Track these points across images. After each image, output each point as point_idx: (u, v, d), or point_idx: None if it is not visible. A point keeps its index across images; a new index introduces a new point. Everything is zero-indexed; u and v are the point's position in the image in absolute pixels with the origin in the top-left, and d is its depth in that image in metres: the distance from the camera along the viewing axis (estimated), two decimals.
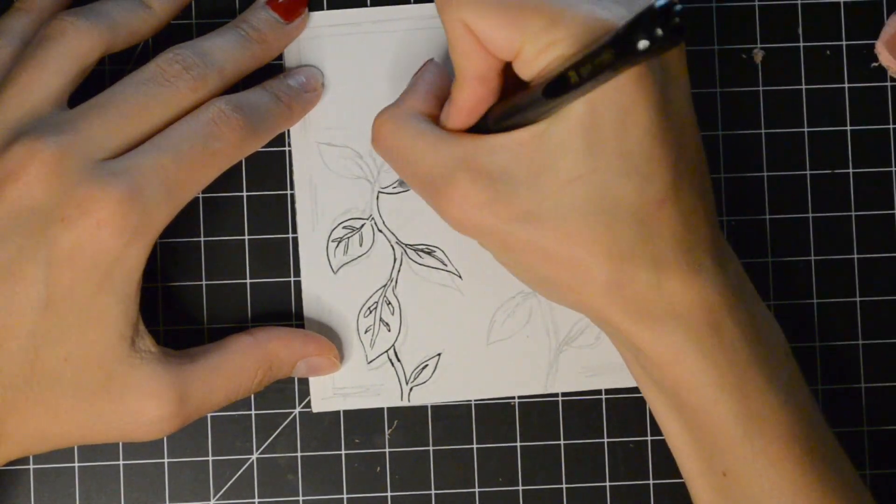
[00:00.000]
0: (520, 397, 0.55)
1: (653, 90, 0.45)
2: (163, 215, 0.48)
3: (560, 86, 0.43)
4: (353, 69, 0.56)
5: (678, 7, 0.36)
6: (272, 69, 0.55)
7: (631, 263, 0.46)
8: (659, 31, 0.36)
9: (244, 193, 0.56)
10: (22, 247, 0.47)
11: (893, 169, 0.56)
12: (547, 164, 0.45)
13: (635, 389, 0.55)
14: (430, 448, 0.55)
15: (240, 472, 0.55)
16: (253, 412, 0.55)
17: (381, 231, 0.55)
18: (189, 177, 0.49)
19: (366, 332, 0.55)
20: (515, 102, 0.46)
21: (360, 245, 0.55)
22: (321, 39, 0.55)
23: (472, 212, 0.46)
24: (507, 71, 0.48)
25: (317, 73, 0.55)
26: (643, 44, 0.37)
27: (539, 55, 0.45)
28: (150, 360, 0.49)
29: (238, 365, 0.51)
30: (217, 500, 0.55)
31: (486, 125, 0.48)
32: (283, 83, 0.54)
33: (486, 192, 0.46)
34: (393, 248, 0.55)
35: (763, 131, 0.56)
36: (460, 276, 0.55)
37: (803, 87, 0.56)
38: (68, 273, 0.47)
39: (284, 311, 0.55)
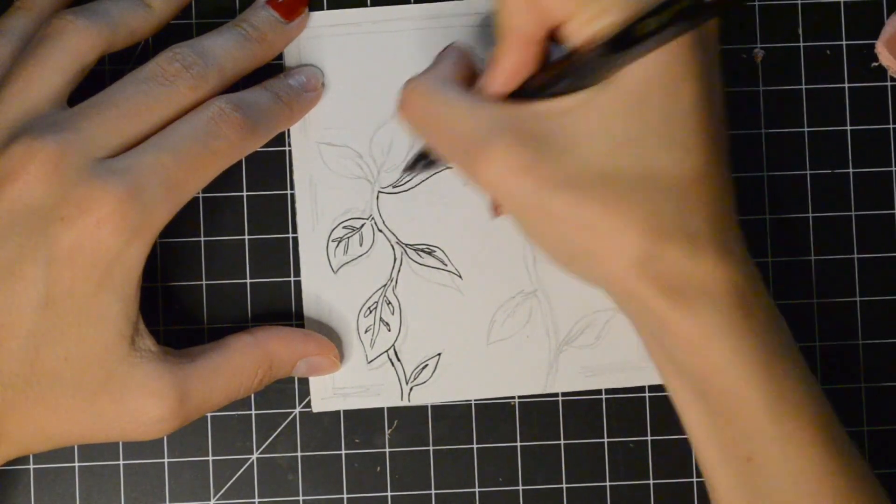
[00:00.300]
0: (520, 397, 0.55)
1: (701, 63, 0.45)
2: (163, 214, 0.48)
3: (626, 40, 0.42)
4: (353, 69, 0.56)
5: None
6: (272, 69, 0.55)
7: (667, 237, 0.45)
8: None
9: (244, 193, 0.56)
10: (22, 246, 0.47)
11: (893, 169, 0.56)
12: (592, 131, 0.45)
13: (635, 389, 0.55)
14: (430, 448, 0.55)
15: (240, 472, 0.55)
16: (253, 412, 0.55)
17: (381, 231, 0.55)
18: (189, 175, 0.49)
19: (366, 331, 0.55)
20: (560, 70, 0.46)
21: (360, 245, 0.55)
22: (321, 39, 0.55)
23: (513, 175, 0.46)
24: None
25: (317, 72, 0.55)
26: None
27: (591, 21, 0.45)
28: (150, 359, 0.49)
29: (238, 364, 0.51)
30: (217, 500, 0.55)
31: (525, 93, 0.47)
32: (284, 83, 0.54)
33: (528, 155, 0.45)
34: (393, 248, 0.55)
35: (763, 131, 0.56)
36: (460, 276, 0.55)
37: (803, 87, 0.56)
38: (68, 272, 0.47)
39: (284, 311, 0.55)
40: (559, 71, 0.46)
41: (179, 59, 0.50)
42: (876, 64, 0.56)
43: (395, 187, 0.56)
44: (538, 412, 0.55)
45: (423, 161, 0.53)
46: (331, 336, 0.55)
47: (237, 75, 0.52)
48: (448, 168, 0.55)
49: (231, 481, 0.55)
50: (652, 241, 0.45)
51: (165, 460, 0.55)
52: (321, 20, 0.56)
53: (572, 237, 0.46)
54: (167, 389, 0.49)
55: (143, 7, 0.52)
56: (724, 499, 0.49)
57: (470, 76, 0.50)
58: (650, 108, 0.45)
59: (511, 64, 0.47)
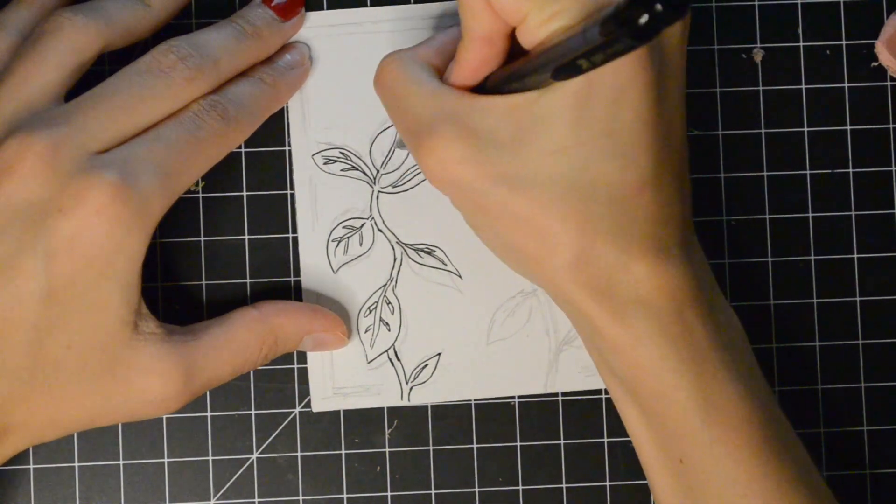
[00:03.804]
0: (520, 397, 0.55)
1: (649, 75, 0.45)
2: (159, 202, 0.48)
3: (570, 71, 0.42)
4: (354, 69, 0.56)
5: None
6: None
7: (601, 242, 0.46)
8: (658, 6, 0.36)
9: (244, 193, 0.56)
10: (20, 240, 0.47)
11: (893, 169, 0.56)
12: (534, 131, 0.46)
13: None
14: (430, 448, 0.55)
15: (240, 472, 0.55)
16: (253, 412, 0.55)
17: (380, 231, 0.55)
18: (182, 165, 0.49)
19: (366, 331, 0.55)
20: (515, 69, 0.47)
21: (360, 245, 0.55)
22: (321, 39, 0.55)
23: (451, 166, 0.46)
24: (514, 37, 0.48)
25: (302, 47, 0.55)
26: (644, 18, 0.37)
27: (543, 24, 0.45)
28: (153, 340, 0.49)
29: (243, 339, 0.51)
30: (217, 500, 0.55)
31: (485, 88, 0.48)
32: (267, 65, 0.54)
33: (469, 148, 0.46)
34: (393, 248, 0.55)
35: (763, 131, 0.56)
36: (460, 276, 0.55)
37: (803, 86, 0.56)
38: (68, 263, 0.47)
39: None
40: (512, 71, 0.47)
41: (175, 52, 0.50)
42: (876, 64, 0.56)
43: (394, 187, 0.56)
44: (538, 412, 0.55)
45: None
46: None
47: (233, 70, 0.52)
48: None
49: (231, 481, 0.55)
50: (586, 245, 0.46)
51: (165, 460, 0.55)
52: (321, 20, 0.56)
53: (507, 234, 0.47)
54: (172, 369, 0.49)
55: (142, 6, 0.52)
56: (661, 499, 0.50)
57: (445, 61, 0.51)
58: (592, 116, 0.45)
59: (470, 61, 0.48)
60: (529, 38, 0.46)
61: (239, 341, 0.51)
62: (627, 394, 0.49)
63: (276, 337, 0.52)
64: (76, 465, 0.55)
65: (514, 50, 0.48)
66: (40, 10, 0.53)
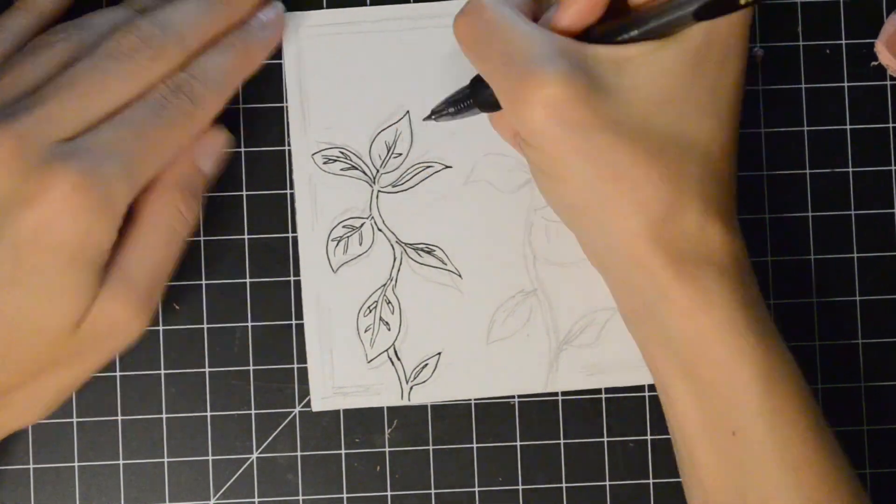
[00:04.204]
0: (520, 396, 0.55)
1: (746, 44, 0.48)
2: (124, 189, 0.48)
3: (721, 7, 0.44)
4: (354, 69, 0.56)
5: None
6: (271, 70, 0.55)
7: (686, 200, 0.47)
8: None
9: (244, 193, 0.56)
10: None
11: (893, 168, 0.56)
12: (644, 83, 0.46)
13: (635, 389, 0.55)
14: (430, 447, 0.55)
15: (240, 472, 0.55)
16: (253, 412, 0.55)
17: (380, 230, 0.55)
18: (148, 148, 0.49)
19: (366, 331, 0.55)
20: (631, 17, 0.47)
21: (360, 244, 0.55)
22: (321, 39, 0.56)
23: (563, 104, 0.46)
24: None
25: (277, 5, 0.54)
26: None
27: None
28: (105, 287, 0.49)
29: (154, 224, 0.51)
30: (217, 499, 0.55)
31: (587, 37, 0.48)
32: (239, 28, 0.53)
33: (580, 88, 0.46)
34: (393, 248, 0.55)
35: (763, 131, 0.56)
36: (460, 275, 0.55)
37: (803, 86, 0.56)
38: (34, 251, 0.47)
39: (284, 310, 0.55)
40: (628, 21, 0.47)
41: (135, 32, 0.50)
42: (875, 63, 0.56)
43: (394, 187, 0.56)
44: (538, 411, 0.55)
45: (452, 107, 0.53)
46: (331, 335, 0.55)
47: (200, 42, 0.51)
48: (475, 112, 0.53)
49: (231, 481, 0.55)
50: (674, 202, 0.46)
51: (165, 460, 0.55)
52: (321, 20, 0.56)
53: (595, 184, 0.47)
54: (122, 294, 0.49)
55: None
56: (703, 475, 0.49)
57: (533, 11, 0.50)
58: (703, 74, 0.47)
59: (579, 4, 0.48)
60: None
61: (152, 228, 0.50)
62: (680, 366, 0.48)
63: (180, 193, 0.51)
64: (76, 465, 0.55)
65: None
66: (41, 15, 0.53)
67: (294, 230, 0.55)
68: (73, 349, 0.49)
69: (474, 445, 0.55)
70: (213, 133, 0.52)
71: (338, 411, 0.55)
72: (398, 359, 0.55)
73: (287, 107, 0.55)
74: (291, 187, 0.55)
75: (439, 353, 0.55)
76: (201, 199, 0.52)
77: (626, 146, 0.46)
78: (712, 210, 0.47)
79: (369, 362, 0.55)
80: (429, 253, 0.55)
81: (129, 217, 0.50)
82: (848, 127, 0.56)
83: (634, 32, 0.47)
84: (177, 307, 0.55)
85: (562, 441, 0.55)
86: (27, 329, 0.48)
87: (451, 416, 0.55)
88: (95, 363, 0.50)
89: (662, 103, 0.46)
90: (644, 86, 0.46)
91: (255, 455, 0.55)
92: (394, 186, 0.55)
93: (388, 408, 0.55)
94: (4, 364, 0.48)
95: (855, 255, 0.56)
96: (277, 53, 0.55)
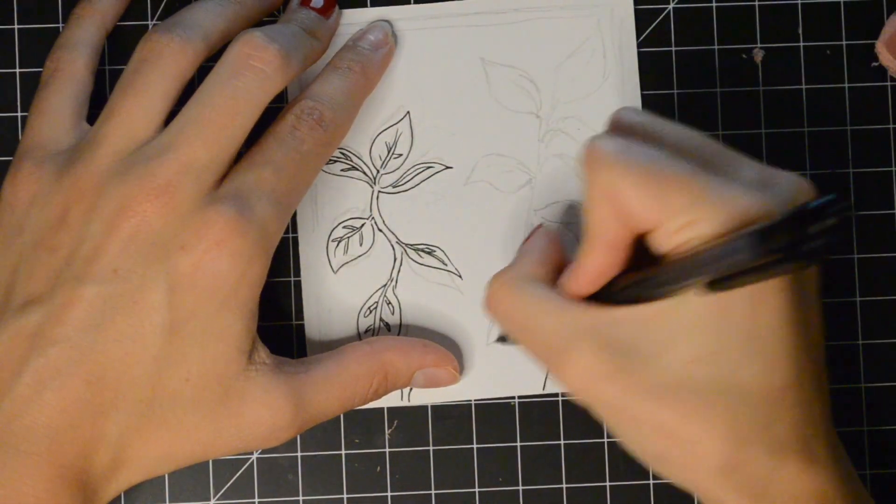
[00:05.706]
0: (520, 397, 0.55)
1: (790, 275, 0.44)
2: (275, 227, 0.49)
3: (729, 284, 0.42)
4: None
5: (830, 211, 0.35)
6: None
7: (749, 446, 0.45)
8: (832, 220, 0.35)
9: None
10: (144, 276, 0.47)
11: (893, 169, 0.56)
12: (673, 341, 0.44)
13: None
14: (430, 448, 0.55)
15: (240, 472, 0.55)
16: None
17: (381, 231, 0.55)
18: (291, 184, 0.49)
19: (366, 331, 0.55)
20: (647, 275, 0.45)
21: (361, 245, 0.55)
22: None
23: (595, 383, 0.45)
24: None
25: (384, 25, 0.55)
26: (815, 233, 0.36)
27: (678, 232, 0.44)
28: (265, 371, 0.49)
29: (353, 374, 0.51)
30: (217, 500, 0.55)
31: (607, 294, 0.47)
32: (352, 51, 0.53)
33: (610, 363, 0.45)
34: (393, 248, 0.55)
35: (763, 131, 0.56)
36: (460, 276, 0.55)
37: (803, 86, 0.56)
38: (190, 296, 0.47)
39: (284, 311, 0.55)
40: (643, 277, 0.45)
41: (255, 40, 0.49)
42: (876, 64, 0.56)
43: (394, 187, 0.56)
44: (538, 412, 0.55)
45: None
46: (330, 335, 0.55)
47: (313, 51, 0.52)
48: None
49: (231, 481, 0.55)
50: (734, 451, 0.45)
51: None
52: None
53: (654, 443, 0.46)
54: (282, 400, 0.49)
55: (231, 4, 0.52)
56: None
57: (556, 267, 0.50)
58: (732, 321, 0.44)
59: (595, 267, 0.47)
60: (664, 244, 0.44)
61: (349, 375, 0.51)
62: None
63: (386, 372, 0.52)
64: None
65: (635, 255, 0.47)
66: (104, 20, 0.53)
67: (294, 230, 0.55)
68: (213, 406, 0.49)
69: (474, 446, 0.55)
70: (446, 372, 0.54)
71: None
72: None
73: None
74: None
75: None
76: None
77: (669, 407, 0.45)
78: (782, 450, 0.45)
79: None
80: (429, 253, 0.55)
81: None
82: (848, 128, 0.56)
83: (647, 292, 0.45)
84: None
85: (562, 442, 0.55)
86: (176, 378, 0.48)
87: (452, 416, 0.55)
88: (232, 444, 0.50)
89: (698, 358, 0.44)
90: (673, 342, 0.44)
91: (255, 455, 0.55)
92: (394, 187, 0.55)
93: (389, 408, 0.55)
94: (150, 409, 0.48)
95: (855, 255, 0.56)
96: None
